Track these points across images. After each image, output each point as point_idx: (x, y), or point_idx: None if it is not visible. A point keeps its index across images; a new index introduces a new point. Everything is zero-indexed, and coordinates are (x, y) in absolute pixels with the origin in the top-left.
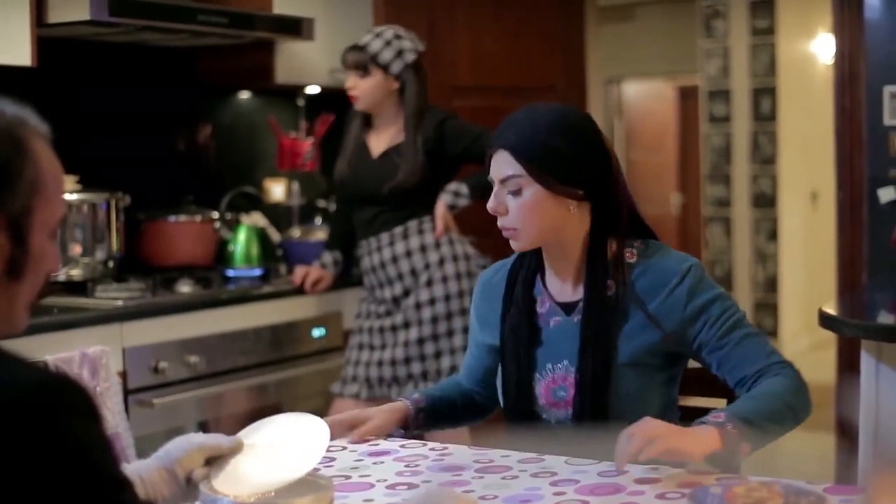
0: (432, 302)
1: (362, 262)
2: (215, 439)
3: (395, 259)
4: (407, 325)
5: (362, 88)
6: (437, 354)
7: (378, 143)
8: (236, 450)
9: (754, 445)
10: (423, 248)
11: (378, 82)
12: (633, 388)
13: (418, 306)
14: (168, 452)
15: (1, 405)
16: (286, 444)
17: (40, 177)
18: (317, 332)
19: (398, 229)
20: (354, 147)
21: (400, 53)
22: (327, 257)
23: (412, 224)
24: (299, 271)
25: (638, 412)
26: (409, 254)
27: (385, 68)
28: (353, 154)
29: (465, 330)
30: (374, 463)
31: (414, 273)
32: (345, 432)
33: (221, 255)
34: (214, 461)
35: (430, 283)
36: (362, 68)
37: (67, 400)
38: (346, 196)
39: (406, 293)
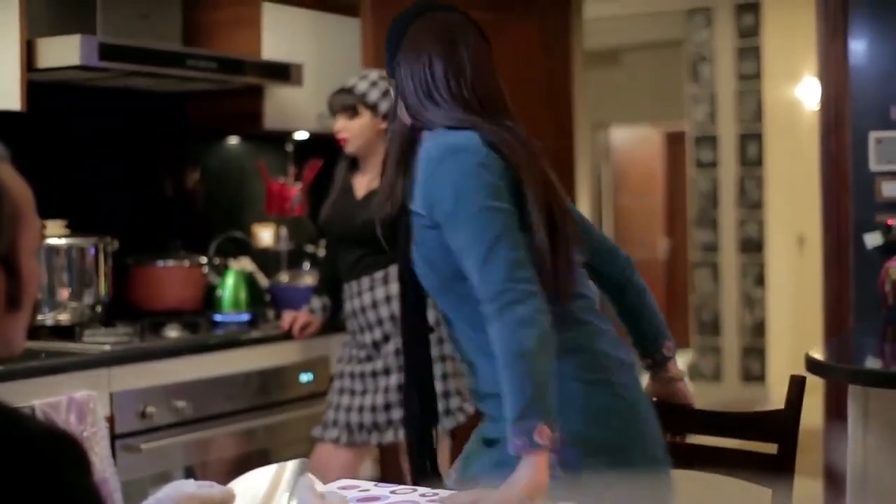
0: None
1: (345, 306)
2: (206, 489)
3: (374, 304)
4: (387, 371)
5: (352, 130)
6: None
7: (362, 184)
8: (227, 500)
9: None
10: None
11: (367, 123)
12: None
13: (398, 352)
14: (159, 501)
15: None
16: (277, 494)
17: (17, 206)
18: (304, 377)
19: (379, 274)
20: (340, 189)
21: (386, 93)
22: (316, 302)
23: (393, 269)
24: (287, 316)
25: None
26: (388, 299)
27: (373, 108)
28: (338, 196)
29: (445, 377)
30: None
31: (394, 318)
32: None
33: (209, 300)
34: None
35: None
36: (351, 110)
37: (58, 454)
38: (331, 238)
39: (386, 339)
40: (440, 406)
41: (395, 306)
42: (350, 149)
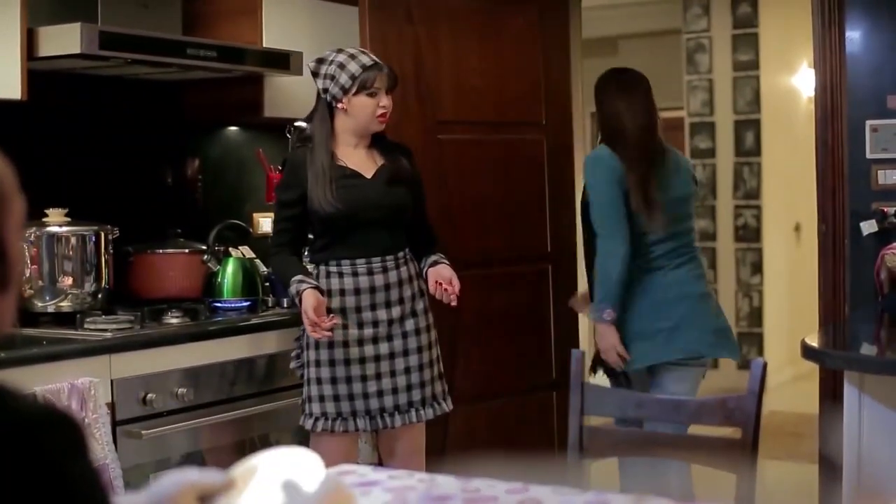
0: (429, 328)
1: (344, 282)
2: (208, 476)
3: (400, 281)
4: (406, 352)
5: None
6: (440, 376)
7: (360, 164)
8: (229, 487)
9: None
10: (415, 276)
11: None
12: None
13: (418, 332)
14: (161, 488)
15: None
16: (279, 480)
17: (2, 188)
18: None
19: (401, 253)
20: (335, 170)
21: None
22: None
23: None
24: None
25: None
26: (411, 279)
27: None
28: (339, 179)
29: (421, 367)
30: (362, 494)
31: (421, 295)
32: None
33: (209, 288)
34: (207, 499)
35: (424, 309)
36: (393, 88)
37: (58, 436)
38: (336, 221)
39: (404, 317)
40: (417, 395)
41: (421, 283)
42: (383, 127)
